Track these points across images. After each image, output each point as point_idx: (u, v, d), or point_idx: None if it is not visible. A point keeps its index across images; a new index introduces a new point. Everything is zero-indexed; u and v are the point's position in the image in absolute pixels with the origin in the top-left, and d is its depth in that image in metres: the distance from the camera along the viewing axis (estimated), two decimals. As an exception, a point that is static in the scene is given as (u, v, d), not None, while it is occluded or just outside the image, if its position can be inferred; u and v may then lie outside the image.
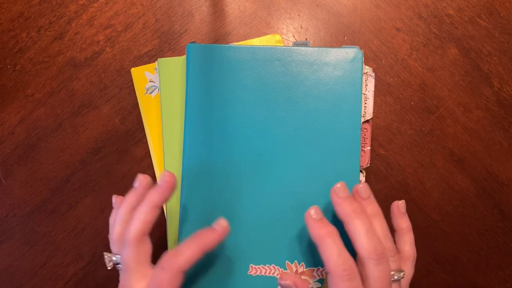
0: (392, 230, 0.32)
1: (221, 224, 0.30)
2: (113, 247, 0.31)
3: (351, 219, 0.28)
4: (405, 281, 0.31)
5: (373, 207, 0.30)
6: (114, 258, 0.31)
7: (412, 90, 0.41)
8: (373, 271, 0.27)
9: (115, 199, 0.34)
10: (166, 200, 0.30)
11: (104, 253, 0.31)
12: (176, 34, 0.42)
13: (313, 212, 0.29)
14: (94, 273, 0.39)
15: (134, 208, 0.30)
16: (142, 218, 0.29)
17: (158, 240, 0.39)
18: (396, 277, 0.28)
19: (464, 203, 0.40)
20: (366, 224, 0.28)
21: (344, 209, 0.29)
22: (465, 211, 0.40)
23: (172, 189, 0.30)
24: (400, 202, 0.33)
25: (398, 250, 0.32)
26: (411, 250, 0.32)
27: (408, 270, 0.31)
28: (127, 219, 0.30)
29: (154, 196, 0.29)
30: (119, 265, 0.30)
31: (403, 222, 0.33)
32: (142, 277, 0.28)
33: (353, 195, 0.31)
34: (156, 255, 0.38)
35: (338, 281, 0.26)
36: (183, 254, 0.28)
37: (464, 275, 0.40)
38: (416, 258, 0.32)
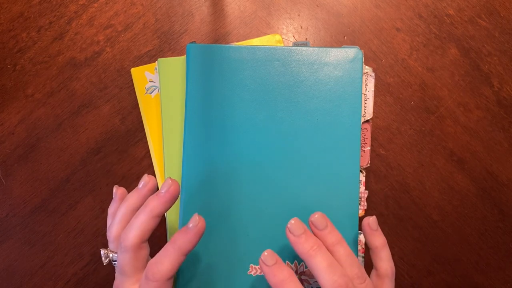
0: (367, 248, 0.32)
1: (195, 221, 0.28)
2: (110, 244, 0.31)
3: (310, 257, 0.28)
4: None
5: (332, 235, 0.29)
6: (110, 255, 0.31)
7: (412, 90, 0.41)
8: None
9: (115, 190, 0.33)
10: (167, 210, 0.29)
11: (101, 249, 0.31)
12: (176, 34, 0.42)
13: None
14: (94, 273, 0.39)
15: (135, 209, 0.30)
16: (142, 227, 0.28)
17: (158, 239, 0.39)
18: None
19: (464, 203, 0.40)
20: (326, 260, 0.27)
21: (302, 248, 0.28)
22: (465, 211, 0.40)
23: (174, 199, 0.29)
24: (371, 218, 0.32)
25: (375, 268, 0.31)
26: (388, 266, 0.31)
27: (387, 287, 0.31)
28: (127, 220, 0.30)
29: (155, 205, 0.29)
30: (115, 263, 0.30)
31: (376, 240, 0.32)
32: (137, 281, 0.29)
33: (310, 227, 0.30)
34: (156, 253, 0.38)
35: None
36: (163, 262, 0.27)
37: (464, 275, 0.40)
38: (394, 273, 0.31)
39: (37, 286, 0.39)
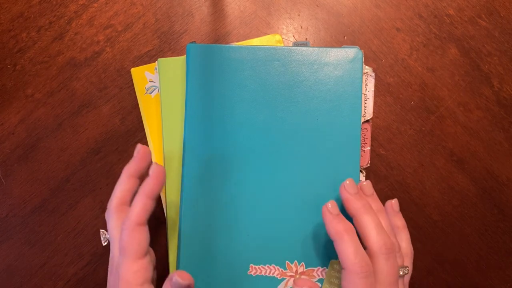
0: None
1: (154, 168, 0.31)
2: (108, 216, 0.31)
3: (361, 214, 0.29)
4: (407, 278, 0.31)
5: (377, 204, 0.31)
6: (108, 236, 0.32)
7: (412, 90, 0.41)
8: (384, 265, 0.27)
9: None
10: (160, 189, 0.31)
11: (101, 230, 0.33)
12: (176, 34, 0.42)
13: (331, 207, 0.30)
14: (94, 273, 0.39)
15: (132, 175, 0.32)
16: (143, 205, 0.30)
17: (158, 240, 0.39)
18: (401, 273, 0.29)
19: (464, 203, 0.40)
20: (375, 220, 0.29)
21: (354, 204, 0.30)
22: (465, 211, 0.40)
23: (163, 179, 0.31)
24: (393, 201, 0.34)
25: None
26: (408, 247, 0.33)
27: (409, 266, 0.32)
28: (128, 189, 0.32)
29: (150, 183, 0.30)
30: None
31: (398, 220, 0.33)
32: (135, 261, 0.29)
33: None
34: (157, 255, 0.38)
35: (354, 277, 0.27)
36: (133, 209, 0.29)
37: (464, 275, 0.40)
38: (413, 255, 0.32)
39: (37, 286, 0.39)
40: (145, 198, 0.29)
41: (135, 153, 0.32)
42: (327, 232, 0.29)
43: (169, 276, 0.28)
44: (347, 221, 0.29)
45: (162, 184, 0.31)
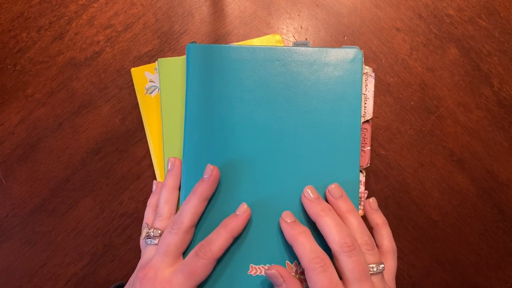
0: (370, 227, 0.33)
1: (242, 209, 0.32)
2: (158, 221, 0.32)
3: (320, 217, 0.30)
4: (389, 275, 0.31)
5: (347, 204, 0.32)
6: (152, 231, 0.32)
7: (412, 90, 0.41)
8: (347, 263, 0.28)
9: (156, 184, 0.36)
10: (213, 192, 0.33)
11: (146, 223, 0.33)
12: (176, 34, 0.42)
13: (286, 216, 0.32)
14: (94, 273, 0.39)
15: (175, 188, 0.34)
16: (194, 210, 0.31)
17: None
18: (375, 270, 0.29)
19: (464, 203, 0.40)
20: (335, 220, 0.30)
21: (314, 209, 0.31)
22: (465, 211, 0.40)
23: (217, 181, 0.33)
24: (371, 199, 0.35)
25: (378, 245, 0.33)
26: (389, 243, 0.33)
27: (390, 263, 0.32)
28: (171, 200, 0.33)
29: (203, 189, 0.32)
30: (151, 240, 0.32)
31: (377, 218, 0.34)
32: (174, 264, 0.30)
33: (326, 196, 0.33)
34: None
35: (312, 274, 0.28)
36: (215, 242, 0.30)
37: (464, 275, 0.40)
38: (396, 251, 0.33)
39: (37, 286, 0.39)
40: (228, 235, 0.31)
41: (207, 176, 0.33)
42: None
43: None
44: (302, 225, 0.31)
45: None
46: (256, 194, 0.35)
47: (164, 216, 0.33)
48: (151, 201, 0.36)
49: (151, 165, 0.40)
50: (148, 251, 0.32)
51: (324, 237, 0.29)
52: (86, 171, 0.40)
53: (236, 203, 0.35)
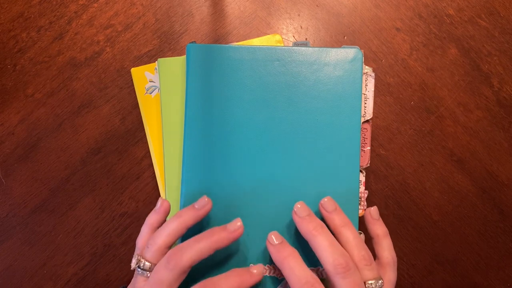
0: (370, 238, 0.32)
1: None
2: (148, 253, 0.30)
3: (313, 236, 0.28)
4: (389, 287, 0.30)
5: (341, 217, 0.30)
6: (142, 263, 0.29)
7: (412, 90, 0.41)
8: (342, 285, 0.27)
9: (161, 202, 0.33)
10: (230, 243, 0.30)
11: (138, 255, 0.30)
12: (176, 34, 0.42)
13: (271, 238, 0.30)
14: (94, 273, 0.39)
15: (187, 227, 0.30)
16: (200, 253, 0.28)
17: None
18: (373, 286, 0.28)
19: (464, 203, 0.40)
20: (328, 239, 0.28)
21: (306, 227, 0.29)
22: (465, 211, 0.40)
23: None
24: (372, 208, 0.33)
25: (377, 257, 0.31)
26: (389, 255, 0.31)
27: (389, 275, 0.30)
28: (177, 235, 0.30)
29: (221, 238, 0.29)
30: (143, 271, 0.29)
31: (377, 228, 0.32)
32: None
33: (320, 210, 0.31)
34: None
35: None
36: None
37: (464, 275, 0.40)
38: (396, 262, 0.31)
39: (37, 286, 0.39)
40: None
41: (232, 229, 0.30)
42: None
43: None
44: (289, 246, 0.29)
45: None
46: (256, 194, 0.35)
47: (158, 245, 0.29)
48: (150, 220, 0.32)
49: (151, 165, 0.40)
50: (138, 280, 0.29)
51: (318, 258, 0.28)
52: (86, 171, 0.40)
53: (236, 203, 0.35)
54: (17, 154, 0.40)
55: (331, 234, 0.29)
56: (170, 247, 0.30)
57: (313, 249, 0.29)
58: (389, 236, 0.32)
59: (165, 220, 0.32)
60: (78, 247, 0.40)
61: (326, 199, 0.31)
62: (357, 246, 0.29)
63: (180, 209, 0.35)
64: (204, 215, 0.31)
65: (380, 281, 0.28)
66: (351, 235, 0.29)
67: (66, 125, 0.41)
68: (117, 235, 0.40)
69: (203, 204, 0.31)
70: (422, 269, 0.40)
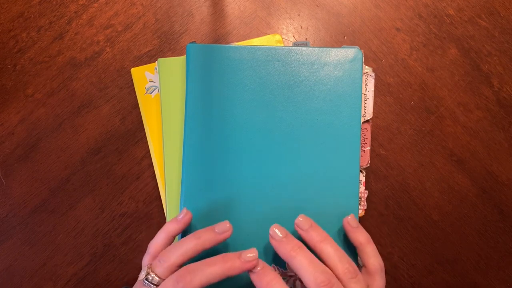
0: (353, 247, 0.32)
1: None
2: (159, 268, 0.29)
3: (292, 258, 0.28)
4: None
5: (318, 233, 0.30)
6: (151, 277, 0.29)
7: (412, 90, 0.41)
8: None
9: (185, 213, 0.32)
10: (242, 272, 0.29)
11: (148, 267, 0.29)
12: (176, 34, 0.42)
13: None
14: (94, 273, 0.39)
15: (204, 248, 0.30)
16: (211, 278, 0.28)
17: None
18: None
19: (464, 203, 0.40)
20: (307, 258, 0.28)
21: (283, 250, 0.29)
22: (465, 211, 0.40)
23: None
24: (349, 217, 0.32)
25: (364, 265, 0.31)
26: (376, 262, 0.30)
27: (378, 283, 0.30)
28: (191, 255, 0.29)
29: (234, 267, 0.28)
30: (151, 285, 0.29)
31: (359, 236, 0.31)
32: None
33: (296, 230, 0.31)
34: (156, 255, 0.38)
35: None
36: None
37: (464, 275, 0.40)
38: (383, 268, 0.31)
39: (37, 286, 0.39)
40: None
41: (247, 258, 0.29)
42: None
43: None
44: (272, 272, 0.28)
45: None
46: (256, 194, 0.35)
47: (170, 262, 0.29)
48: (169, 227, 0.32)
49: (151, 165, 0.40)
50: None
51: (301, 278, 0.28)
52: (86, 171, 0.40)
53: (236, 203, 0.35)
54: (17, 154, 0.40)
55: (310, 253, 0.28)
56: (181, 265, 0.29)
57: (295, 271, 0.28)
58: (372, 242, 0.31)
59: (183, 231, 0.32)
60: (78, 247, 0.40)
61: (300, 218, 0.31)
62: (340, 260, 0.28)
63: (180, 208, 0.36)
64: (223, 240, 0.30)
65: None
66: (331, 249, 0.29)
67: (66, 125, 0.41)
68: (117, 235, 0.40)
69: (224, 230, 0.30)
70: (422, 269, 0.40)
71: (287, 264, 0.29)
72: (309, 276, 0.27)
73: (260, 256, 0.35)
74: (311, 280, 0.27)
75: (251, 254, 0.28)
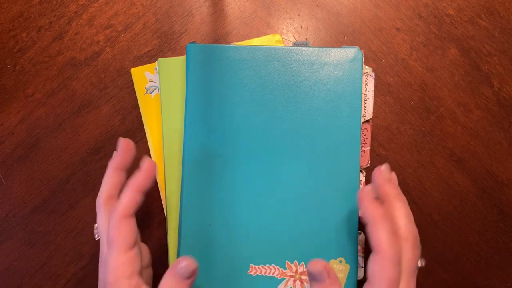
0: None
1: (145, 162, 0.31)
2: (97, 211, 0.31)
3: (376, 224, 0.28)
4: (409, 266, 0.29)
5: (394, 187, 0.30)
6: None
7: (412, 90, 0.41)
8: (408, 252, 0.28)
9: (149, 163, 0.33)
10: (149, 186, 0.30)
11: (94, 225, 0.32)
12: (176, 34, 0.42)
13: (365, 189, 0.30)
14: (94, 273, 0.39)
15: (118, 169, 0.32)
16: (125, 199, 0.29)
17: (158, 240, 0.39)
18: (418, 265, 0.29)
19: (464, 203, 0.40)
20: (389, 229, 0.27)
21: (371, 211, 0.28)
22: (465, 211, 0.40)
23: (153, 174, 0.31)
24: (382, 166, 0.32)
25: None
26: (407, 228, 0.29)
27: (408, 253, 0.28)
28: (115, 182, 0.32)
29: (137, 181, 0.30)
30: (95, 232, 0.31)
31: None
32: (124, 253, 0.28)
33: (373, 178, 0.31)
34: (157, 255, 0.38)
35: (385, 262, 0.26)
36: (120, 202, 0.29)
37: (464, 275, 0.40)
38: (417, 238, 0.29)
39: (37, 286, 0.39)
40: (133, 192, 0.29)
41: (118, 147, 0.32)
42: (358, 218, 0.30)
43: (173, 263, 0.28)
44: (381, 208, 0.28)
45: (152, 178, 0.30)
46: (256, 193, 0.35)
47: (100, 203, 0.32)
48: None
49: (151, 165, 0.40)
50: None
51: (372, 240, 0.27)
52: (86, 171, 0.40)
53: (236, 202, 0.35)
54: (17, 154, 0.40)
55: (391, 224, 0.28)
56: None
57: (370, 233, 0.28)
58: (407, 205, 0.30)
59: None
60: (78, 247, 0.40)
61: (383, 167, 0.31)
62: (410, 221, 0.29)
63: (181, 208, 0.35)
64: (127, 156, 0.32)
65: (423, 262, 0.30)
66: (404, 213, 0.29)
67: (66, 125, 0.41)
68: (117, 235, 0.40)
69: (119, 144, 0.32)
70: (422, 269, 0.40)
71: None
72: (387, 247, 0.27)
73: (259, 256, 0.35)
74: (386, 248, 0.27)
75: (146, 159, 0.31)
